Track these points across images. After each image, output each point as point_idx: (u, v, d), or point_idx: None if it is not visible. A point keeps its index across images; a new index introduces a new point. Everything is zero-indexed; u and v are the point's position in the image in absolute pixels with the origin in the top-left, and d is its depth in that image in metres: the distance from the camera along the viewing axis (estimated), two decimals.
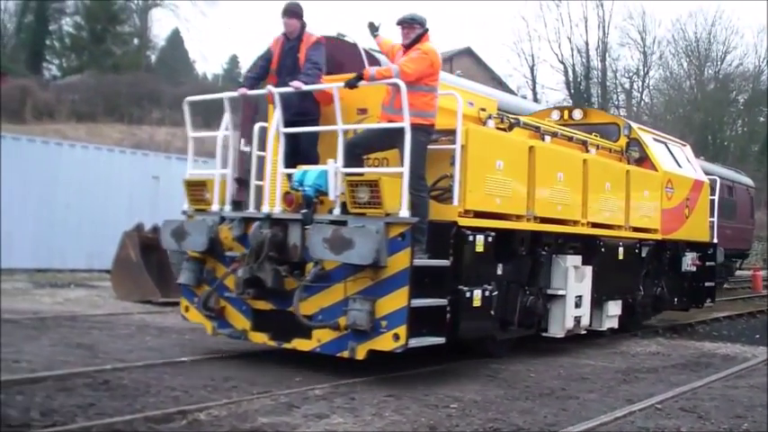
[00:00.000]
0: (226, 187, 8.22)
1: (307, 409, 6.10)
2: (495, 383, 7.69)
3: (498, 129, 8.82)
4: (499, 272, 8.34)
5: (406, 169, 7.02)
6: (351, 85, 7.33)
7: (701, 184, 12.74)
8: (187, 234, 8.09)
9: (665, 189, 11.51)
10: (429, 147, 7.65)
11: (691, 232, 12.32)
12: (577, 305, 9.44)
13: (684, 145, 13.28)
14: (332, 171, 7.29)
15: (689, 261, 12.26)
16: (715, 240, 13.25)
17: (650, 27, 56.84)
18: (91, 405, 5.84)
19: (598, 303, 10.09)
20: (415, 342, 7.07)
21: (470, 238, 7.61)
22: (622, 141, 11.53)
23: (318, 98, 7.94)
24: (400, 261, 6.96)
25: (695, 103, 54.09)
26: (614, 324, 10.53)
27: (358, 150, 7.60)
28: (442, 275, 7.38)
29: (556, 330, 9.31)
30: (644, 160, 11.54)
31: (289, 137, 7.87)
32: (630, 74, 56.74)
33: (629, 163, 11.36)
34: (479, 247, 7.72)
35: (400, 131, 7.08)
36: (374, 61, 10.21)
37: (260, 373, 7.37)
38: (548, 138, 9.60)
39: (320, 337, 7.35)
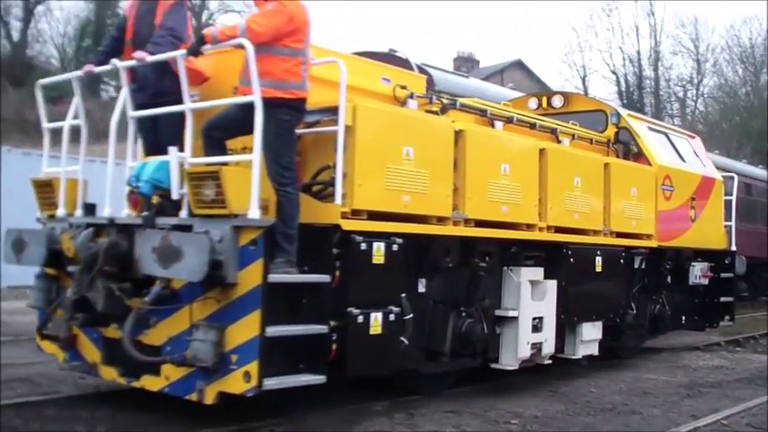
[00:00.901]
0: (77, 187, 6.70)
1: (367, 426, 6.08)
2: (555, 398, 7.52)
3: (428, 111, 7.16)
4: (421, 289, 6.66)
5: (256, 156, 5.36)
6: (193, 51, 5.73)
7: (711, 182, 10.65)
8: (26, 245, 6.56)
9: (662, 187, 9.52)
10: (310, 130, 6.05)
11: (698, 238, 10.25)
12: (536, 329, 7.59)
13: (693, 137, 11.23)
14: (174, 162, 5.69)
15: (698, 272, 10.23)
16: (733, 248, 11.15)
17: (703, 35, 54.15)
18: (155, 422, 5.88)
19: (569, 326, 8.23)
20: (275, 383, 5.39)
21: (363, 246, 5.90)
22: (610, 131, 9.69)
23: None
24: (251, 276, 5.33)
25: (752, 110, 51.34)
26: (593, 350, 8.57)
27: (216, 134, 5.95)
28: (323, 295, 5.72)
29: (508, 360, 7.48)
30: (642, 155, 9.69)
31: (142, 123, 6.34)
32: (684, 82, 54.27)
33: (618, 156, 9.51)
34: (378, 258, 6.01)
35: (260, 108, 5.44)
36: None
37: (318, 389, 6.18)
38: (499, 124, 7.84)
39: (168, 374, 5.76)
